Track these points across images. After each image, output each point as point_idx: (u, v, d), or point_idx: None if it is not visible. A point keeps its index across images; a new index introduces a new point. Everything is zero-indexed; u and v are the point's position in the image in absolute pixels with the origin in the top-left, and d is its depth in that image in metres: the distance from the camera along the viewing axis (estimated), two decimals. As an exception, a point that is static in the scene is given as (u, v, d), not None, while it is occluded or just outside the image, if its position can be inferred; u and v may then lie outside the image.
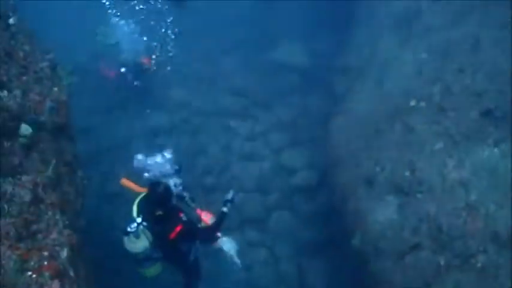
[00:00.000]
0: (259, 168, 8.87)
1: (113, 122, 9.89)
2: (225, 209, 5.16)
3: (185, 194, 5.22)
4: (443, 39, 6.26)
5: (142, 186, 5.10)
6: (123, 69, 9.62)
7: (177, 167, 5.12)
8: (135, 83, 9.70)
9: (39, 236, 2.99)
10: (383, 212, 5.64)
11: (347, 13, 9.49)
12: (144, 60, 9.70)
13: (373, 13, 8.29)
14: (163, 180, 4.95)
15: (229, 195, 5.33)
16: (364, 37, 8.29)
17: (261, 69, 10.98)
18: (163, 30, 9.50)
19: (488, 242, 4.46)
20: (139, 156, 5.19)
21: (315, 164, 8.50)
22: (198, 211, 5.33)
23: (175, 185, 5.01)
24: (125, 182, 5.23)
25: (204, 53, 11.62)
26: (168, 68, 9.84)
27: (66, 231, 3.16)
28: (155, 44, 9.73)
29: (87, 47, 10.83)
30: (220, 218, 5.09)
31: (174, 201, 4.90)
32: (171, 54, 9.48)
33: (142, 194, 4.86)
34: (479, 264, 4.47)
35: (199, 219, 5.28)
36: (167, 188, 4.72)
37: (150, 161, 5.15)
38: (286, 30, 11.43)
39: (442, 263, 4.74)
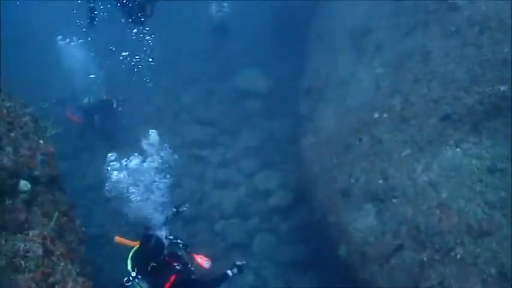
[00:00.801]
0: (235, 195, 9.10)
1: (82, 166, 9.84)
2: (229, 272, 5.28)
3: (178, 241, 5.29)
4: (396, 54, 6.81)
5: (134, 240, 5.16)
6: None
7: (167, 215, 5.19)
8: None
9: (57, 287, 3.07)
10: (363, 221, 5.98)
11: (301, 37, 10.00)
12: (107, 98, 9.77)
13: (327, 34, 8.82)
14: (155, 231, 5.03)
15: (240, 262, 5.42)
16: (321, 58, 8.78)
17: (224, 98, 11.32)
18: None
19: (463, 234, 4.87)
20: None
21: (288, 184, 8.82)
22: (193, 255, 5.40)
23: (166, 237, 5.09)
24: (118, 239, 5.29)
25: (165, 87, 11.81)
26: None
27: (80, 279, 3.26)
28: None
29: (47, 93, 10.71)
30: (222, 278, 5.22)
31: (166, 251, 5.01)
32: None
33: (135, 248, 4.96)
34: (458, 256, 4.86)
35: (193, 260, 5.34)
36: (159, 241, 4.85)
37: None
38: (245, 58, 11.87)
39: (425, 259, 5.10)
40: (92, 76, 9.61)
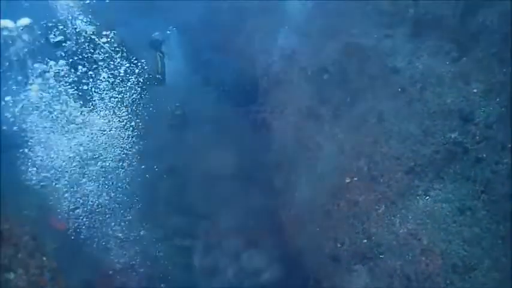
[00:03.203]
0: (225, 279, 9.11)
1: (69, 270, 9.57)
2: None
3: None
4: (352, 118, 7.48)
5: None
6: None
7: None
8: None
9: None
10: (357, 281, 6.29)
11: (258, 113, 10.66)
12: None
13: (283, 108, 9.49)
14: None
15: None
16: (282, 131, 9.38)
17: (195, 184, 11.53)
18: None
19: (451, 274, 5.28)
20: None
21: (276, 258, 8.96)
22: None
23: None
24: None
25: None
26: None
27: None
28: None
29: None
30: None
31: None
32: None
33: None
34: (450, 295, 5.23)
35: None
36: None
37: None
38: (207, 142, 12.26)
39: (422, 305, 5.43)
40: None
